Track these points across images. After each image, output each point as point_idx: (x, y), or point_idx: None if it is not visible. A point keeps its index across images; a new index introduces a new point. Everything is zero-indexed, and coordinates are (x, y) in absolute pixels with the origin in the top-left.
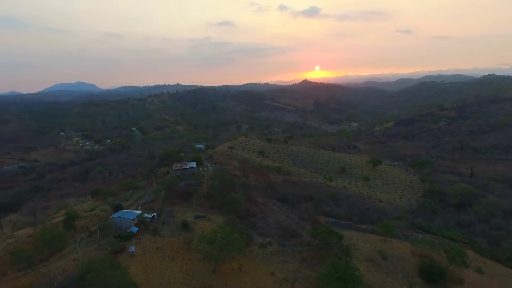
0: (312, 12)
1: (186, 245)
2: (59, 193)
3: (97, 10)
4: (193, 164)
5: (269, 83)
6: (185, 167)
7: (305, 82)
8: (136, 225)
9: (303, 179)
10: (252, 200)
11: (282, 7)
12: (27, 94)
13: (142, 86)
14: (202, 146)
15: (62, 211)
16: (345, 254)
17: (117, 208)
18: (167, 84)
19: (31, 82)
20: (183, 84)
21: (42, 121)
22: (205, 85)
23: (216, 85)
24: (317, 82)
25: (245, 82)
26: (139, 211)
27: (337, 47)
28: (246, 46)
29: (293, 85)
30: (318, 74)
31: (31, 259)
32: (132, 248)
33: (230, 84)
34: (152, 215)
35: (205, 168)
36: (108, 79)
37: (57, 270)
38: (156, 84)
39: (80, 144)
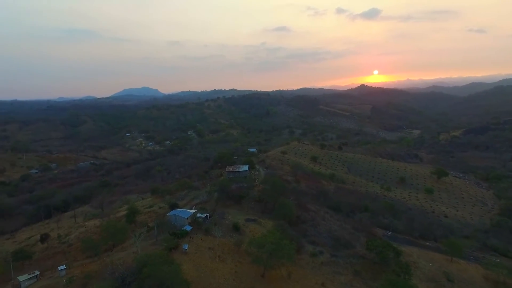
0: (371, 14)
1: (237, 247)
2: (123, 189)
3: (162, 21)
4: (245, 168)
5: (324, 88)
6: (237, 170)
7: (362, 86)
8: (189, 224)
9: (358, 188)
10: (303, 206)
11: (339, 10)
12: (100, 98)
13: (200, 91)
14: (254, 150)
15: (125, 206)
16: (404, 272)
17: (173, 206)
18: (223, 89)
19: (103, 87)
20: (238, 89)
21: (111, 123)
22: (259, 90)
23: (270, 90)
24: (375, 87)
25: (299, 87)
26: (193, 211)
27: (398, 50)
28: (301, 50)
29: (349, 90)
30: (376, 79)
31: (97, 248)
32: (186, 246)
33: (284, 89)
34: (205, 215)
35: (257, 172)
36: (170, 84)
37: (119, 261)
38: (213, 89)
39: (143, 144)
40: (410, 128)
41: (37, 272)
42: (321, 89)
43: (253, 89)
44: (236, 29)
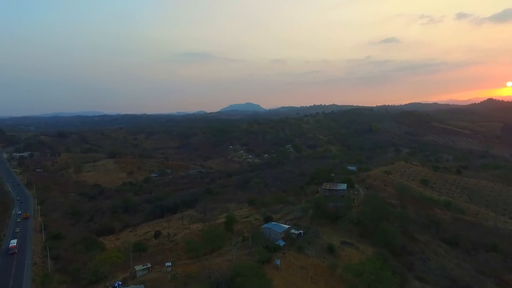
0: (504, 17)
1: (331, 270)
2: (224, 197)
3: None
4: (344, 186)
5: (438, 102)
6: (334, 188)
7: (490, 101)
8: (283, 239)
9: (483, 221)
10: (410, 235)
11: (460, 16)
12: (209, 113)
13: (299, 106)
14: (354, 168)
15: (224, 213)
16: None
17: (268, 219)
18: (322, 104)
19: (213, 103)
20: (339, 104)
21: (217, 135)
22: (361, 105)
23: (373, 105)
24: (507, 101)
25: (407, 102)
26: (286, 226)
27: None
28: (411, 62)
29: (471, 104)
30: (509, 92)
31: (198, 251)
32: (278, 261)
33: (390, 104)
34: (299, 232)
35: (356, 192)
36: (271, 100)
37: (215, 266)
38: (312, 104)
39: (244, 156)
40: None
41: (149, 265)
42: (435, 104)
43: (354, 104)
44: (339, 44)
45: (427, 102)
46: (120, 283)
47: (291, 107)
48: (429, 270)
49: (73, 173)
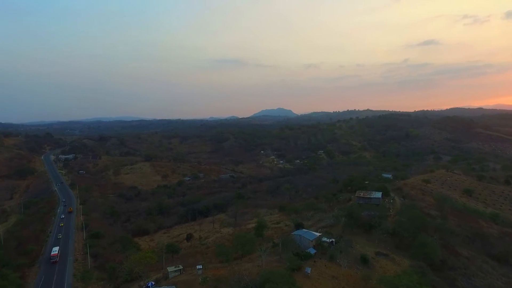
0: None
1: (364, 282)
2: (255, 202)
3: (300, 46)
4: (378, 195)
5: (484, 107)
6: (368, 196)
7: None
8: (314, 247)
9: None
10: (451, 249)
11: (509, 14)
12: (241, 118)
13: (332, 111)
14: (389, 175)
15: (255, 219)
16: None
17: (299, 226)
18: (356, 109)
19: (245, 108)
20: (374, 109)
21: (249, 140)
22: (398, 110)
23: (411, 110)
24: None
25: (448, 107)
26: (318, 233)
27: None
28: (453, 66)
29: None
30: None
31: (228, 255)
32: (308, 270)
33: (429, 109)
34: (331, 240)
35: (391, 201)
36: (303, 105)
37: (245, 271)
38: (345, 109)
39: (275, 162)
40: None
41: (181, 267)
42: (479, 109)
43: (390, 110)
44: (375, 47)
45: (470, 107)
46: (153, 283)
47: (324, 112)
48: (473, 287)
49: (112, 175)
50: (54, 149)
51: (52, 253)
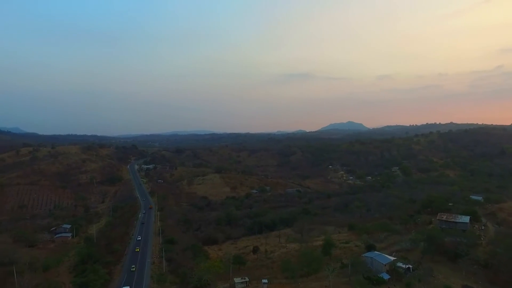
0: None
1: None
2: (322, 219)
3: (372, 56)
4: (465, 219)
5: None
6: (453, 220)
7: None
8: (387, 272)
9: None
10: None
11: None
12: (309, 132)
13: (408, 125)
14: (480, 198)
15: (322, 236)
16: None
17: (370, 247)
18: (437, 122)
19: (312, 122)
20: (458, 122)
21: (316, 155)
22: (489, 123)
23: (506, 123)
24: None
25: None
26: (392, 258)
27: None
28: None
29: None
30: None
31: (294, 272)
32: None
33: None
34: (407, 266)
35: (482, 227)
36: (375, 119)
37: None
38: (424, 123)
39: (344, 177)
40: None
41: (247, 279)
42: None
43: (480, 123)
44: (460, 54)
45: None
46: None
47: (399, 126)
48: None
49: (186, 185)
50: (138, 159)
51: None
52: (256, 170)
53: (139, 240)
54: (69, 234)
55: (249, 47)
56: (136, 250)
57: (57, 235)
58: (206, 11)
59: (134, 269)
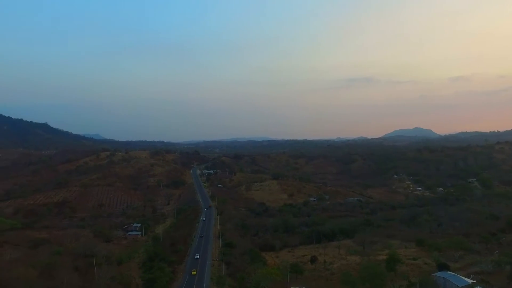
0: None
1: None
2: (386, 231)
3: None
4: None
5: None
6: None
7: None
8: None
9: None
10: None
11: None
12: (371, 139)
13: (488, 131)
14: None
15: (386, 250)
16: None
17: (443, 267)
18: None
19: (374, 129)
20: None
21: (379, 163)
22: None
23: None
24: None
25: None
26: (470, 280)
27: None
28: None
29: None
30: None
31: (355, 285)
32: None
33: None
34: None
35: None
36: (446, 124)
37: None
38: (508, 128)
39: (411, 188)
40: None
41: None
42: None
43: None
44: None
45: None
46: None
47: (476, 132)
48: None
49: (244, 191)
50: (200, 164)
51: (195, 257)
52: (314, 178)
53: (201, 237)
54: (139, 233)
55: (312, 54)
56: (195, 256)
57: (129, 233)
58: (264, 23)
59: (195, 272)
